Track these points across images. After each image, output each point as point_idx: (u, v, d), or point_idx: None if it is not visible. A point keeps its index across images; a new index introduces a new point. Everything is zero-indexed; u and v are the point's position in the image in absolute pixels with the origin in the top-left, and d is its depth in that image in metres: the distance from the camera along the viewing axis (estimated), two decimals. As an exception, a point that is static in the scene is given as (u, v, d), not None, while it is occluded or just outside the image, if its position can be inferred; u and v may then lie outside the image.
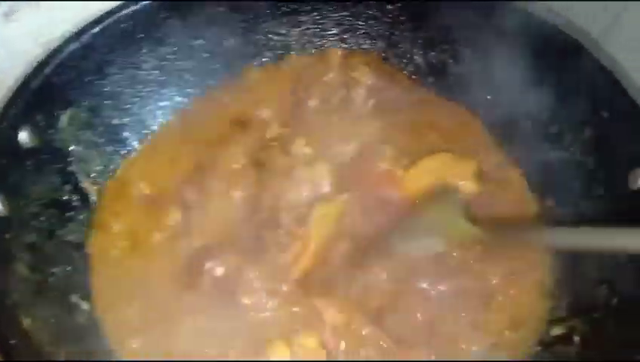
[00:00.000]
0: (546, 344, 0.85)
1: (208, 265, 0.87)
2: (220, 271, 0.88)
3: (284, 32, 1.11)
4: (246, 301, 0.86)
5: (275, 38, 1.11)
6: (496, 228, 0.87)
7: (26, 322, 0.78)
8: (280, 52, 1.12)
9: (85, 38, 0.93)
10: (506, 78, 0.98)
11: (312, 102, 1.05)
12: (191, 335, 0.85)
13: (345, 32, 1.11)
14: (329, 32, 1.12)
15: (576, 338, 0.83)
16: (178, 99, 1.07)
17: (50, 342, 0.78)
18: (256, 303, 0.86)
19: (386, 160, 0.96)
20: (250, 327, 0.84)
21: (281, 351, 0.82)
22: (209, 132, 1.03)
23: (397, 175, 0.95)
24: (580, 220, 0.89)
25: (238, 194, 0.95)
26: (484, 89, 1.02)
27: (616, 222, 0.76)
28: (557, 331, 0.85)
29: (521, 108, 0.98)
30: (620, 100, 0.86)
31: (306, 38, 1.12)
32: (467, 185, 0.95)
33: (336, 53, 1.12)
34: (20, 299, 0.79)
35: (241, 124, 1.03)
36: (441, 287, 0.87)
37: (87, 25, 0.94)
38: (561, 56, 0.92)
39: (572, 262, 0.88)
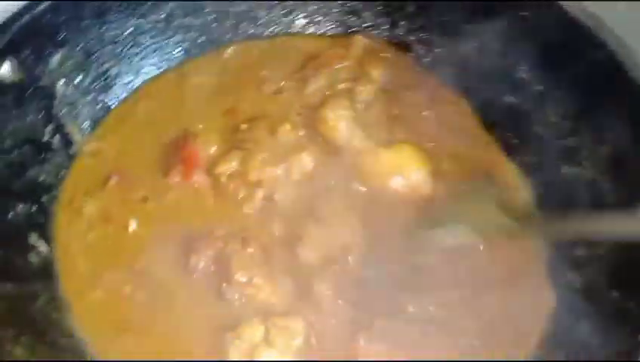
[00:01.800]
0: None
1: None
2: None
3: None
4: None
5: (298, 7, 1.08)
6: (530, 221, 0.84)
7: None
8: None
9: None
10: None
11: (313, 86, 1.00)
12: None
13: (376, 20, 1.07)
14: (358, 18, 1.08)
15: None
16: (177, 55, 1.04)
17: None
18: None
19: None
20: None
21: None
22: (198, 96, 1.00)
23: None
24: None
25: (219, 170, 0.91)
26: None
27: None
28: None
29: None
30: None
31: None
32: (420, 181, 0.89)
33: (361, 42, 1.05)
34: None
35: (235, 91, 1.00)
36: None
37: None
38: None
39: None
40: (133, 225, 0.88)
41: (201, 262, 0.84)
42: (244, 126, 0.94)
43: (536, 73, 0.95)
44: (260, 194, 0.89)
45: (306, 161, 0.91)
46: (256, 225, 0.87)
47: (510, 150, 0.96)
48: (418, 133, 0.95)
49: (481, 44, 0.99)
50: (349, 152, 0.91)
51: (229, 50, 1.06)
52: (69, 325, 0.80)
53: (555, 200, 0.89)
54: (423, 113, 0.99)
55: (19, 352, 0.71)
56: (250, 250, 0.84)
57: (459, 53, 1.01)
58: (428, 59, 1.05)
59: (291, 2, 1.08)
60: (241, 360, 0.77)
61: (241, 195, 0.89)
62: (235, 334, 0.78)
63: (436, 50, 1.05)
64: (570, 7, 0.88)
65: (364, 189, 0.90)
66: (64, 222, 0.89)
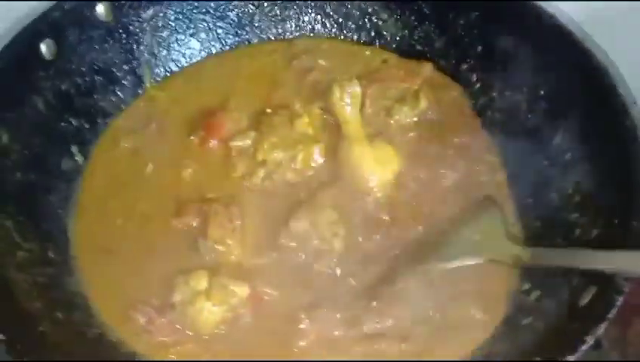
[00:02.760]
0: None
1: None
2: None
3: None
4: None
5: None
6: (538, 250, 0.85)
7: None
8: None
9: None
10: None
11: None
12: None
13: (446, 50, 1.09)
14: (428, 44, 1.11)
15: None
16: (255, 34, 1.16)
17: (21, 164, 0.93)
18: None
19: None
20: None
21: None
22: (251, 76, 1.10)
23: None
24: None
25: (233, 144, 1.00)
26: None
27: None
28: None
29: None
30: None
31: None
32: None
33: (428, 70, 1.09)
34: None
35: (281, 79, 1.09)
36: None
37: None
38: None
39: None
40: (149, 168, 1.00)
41: (186, 220, 0.93)
42: (268, 110, 1.03)
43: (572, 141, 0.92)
44: (261, 173, 0.96)
45: (315, 153, 0.97)
46: (248, 198, 0.95)
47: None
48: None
49: (531, 100, 0.98)
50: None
51: (298, 42, 1.15)
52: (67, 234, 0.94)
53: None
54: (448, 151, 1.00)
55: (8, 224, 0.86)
56: (232, 213, 0.91)
57: (512, 104, 1.01)
58: (482, 102, 1.05)
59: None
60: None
61: (244, 170, 0.98)
62: (185, 279, 0.86)
63: (493, 95, 1.04)
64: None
65: (352, 184, 0.95)
66: (103, 146, 1.04)
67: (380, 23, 1.14)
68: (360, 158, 0.95)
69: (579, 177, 0.89)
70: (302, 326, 0.84)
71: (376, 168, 0.95)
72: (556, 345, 0.74)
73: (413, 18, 1.11)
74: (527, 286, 0.87)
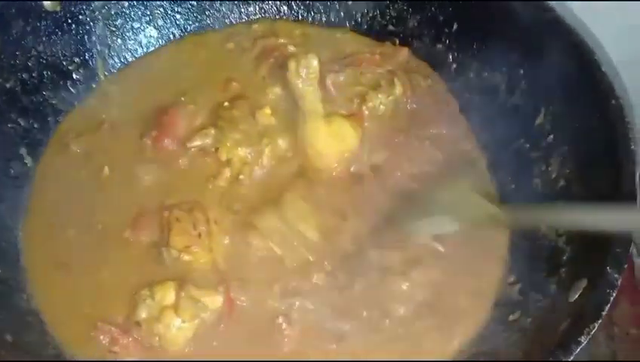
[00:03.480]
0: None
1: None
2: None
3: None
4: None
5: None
6: (515, 209, 0.80)
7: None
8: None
9: None
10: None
11: (329, 81, 0.99)
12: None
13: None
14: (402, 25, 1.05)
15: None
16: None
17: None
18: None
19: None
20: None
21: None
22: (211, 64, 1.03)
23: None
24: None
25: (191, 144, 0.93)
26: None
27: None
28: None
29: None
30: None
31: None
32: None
33: (405, 55, 1.03)
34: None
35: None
36: None
37: None
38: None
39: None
40: (105, 172, 0.92)
41: (145, 232, 0.86)
42: (226, 104, 0.95)
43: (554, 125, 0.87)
44: (226, 173, 0.90)
45: (282, 145, 0.91)
46: (213, 201, 0.89)
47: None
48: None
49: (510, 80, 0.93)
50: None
51: (261, 27, 1.08)
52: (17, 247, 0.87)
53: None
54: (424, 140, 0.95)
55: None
56: (197, 218, 0.85)
57: (490, 84, 0.96)
58: (459, 84, 1.00)
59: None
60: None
61: (207, 171, 0.91)
62: (150, 293, 0.79)
63: (470, 75, 1.00)
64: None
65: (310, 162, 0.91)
66: (54, 149, 0.96)
67: (350, 2, 1.07)
68: (315, 134, 0.90)
69: (563, 160, 0.85)
70: (283, 325, 0.80)
71: (332, 143, 0.90)
72: (547, 344, 0.70)
73: (384, -5, 1.04)
74: (512, 278, 0.84)
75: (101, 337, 0.77)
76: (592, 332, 0.66)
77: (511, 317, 0.80)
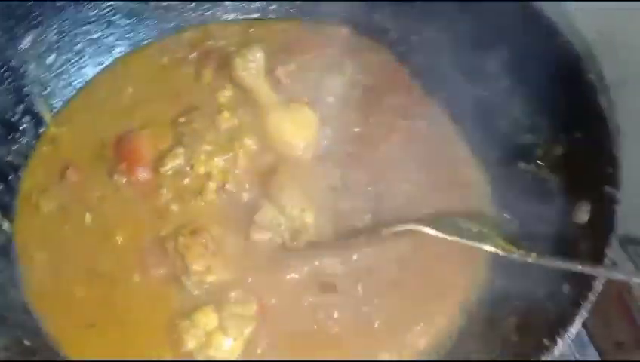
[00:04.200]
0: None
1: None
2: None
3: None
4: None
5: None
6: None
7: None
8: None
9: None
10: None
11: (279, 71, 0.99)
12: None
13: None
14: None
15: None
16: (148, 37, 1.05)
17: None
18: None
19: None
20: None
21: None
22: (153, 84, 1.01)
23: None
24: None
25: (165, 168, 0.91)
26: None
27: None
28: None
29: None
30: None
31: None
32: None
33: (345, 34, 1.05)
34: None
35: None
36: None
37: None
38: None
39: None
40: (88, 219, 0.88)
41: (153, 272, 0.84)
42: (182, 119, 0.94)
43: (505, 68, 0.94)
44: (211, 186, 0.89)
45: (251, 145, 0.92)
46: (211, 218, 0.88)
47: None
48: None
49: (455, 36, 0.98)
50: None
51: (193, 32, 1.06)
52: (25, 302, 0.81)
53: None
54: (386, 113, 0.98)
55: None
56: (202, 240, 0.84)
57: (434, 44, 1.01)
58: (402, 50, 1.04)
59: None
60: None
61: (191, 190, 0.89)
62: (191, 322, 0.78)
63: (411, 39, 1.04)
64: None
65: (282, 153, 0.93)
66: (23, 214, 0.89)
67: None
68: (278, 125, 0.92)
69: (522, 100, 0.91)
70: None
71: (297, 131, 0.93)
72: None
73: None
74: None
75: (159, 379, 0.76)
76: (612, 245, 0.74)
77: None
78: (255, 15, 1.09)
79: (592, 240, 0.76)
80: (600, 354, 0.93)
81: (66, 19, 0.97)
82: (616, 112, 0.85)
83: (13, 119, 0.92)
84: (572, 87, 0.86)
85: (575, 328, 0.70)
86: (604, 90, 0.84)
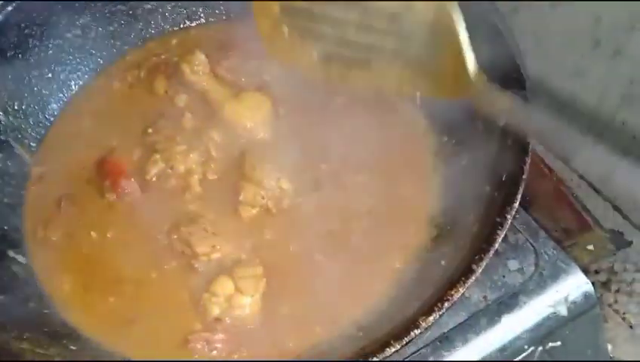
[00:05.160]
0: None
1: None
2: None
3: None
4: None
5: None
6: None
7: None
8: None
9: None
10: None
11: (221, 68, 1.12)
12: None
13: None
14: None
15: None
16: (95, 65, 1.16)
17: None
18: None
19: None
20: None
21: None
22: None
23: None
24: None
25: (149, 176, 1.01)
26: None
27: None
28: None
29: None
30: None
31: None
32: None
33: None
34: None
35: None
36: None
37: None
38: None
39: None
40: (96, 239, 0.98)
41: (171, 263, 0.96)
42: (150, 130, 1.05)
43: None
44: (194, 180, 1.01)
45: (217, 138, 1.04)
46: (202, 206, 0.99)
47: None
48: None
49: None
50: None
51: (129, 56, 1.18)
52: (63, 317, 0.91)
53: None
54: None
55: (25, 346, 0.82)
56: (201, 225, 0.96)
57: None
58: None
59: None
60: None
61: (179, 189, 1.00)
62: (211, 293, 0.90)
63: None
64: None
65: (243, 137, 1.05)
66: (35, 248, 0.98)
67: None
68: (235, 114, 1.05)
69: None
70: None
71: (253, 115, 1.05)
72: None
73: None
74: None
75: (198, 346, 0.87)
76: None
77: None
78: (188, 23, 1.21)
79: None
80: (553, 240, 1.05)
81: (19, 67, 1.06)
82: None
83: (-1, 166, 1.01)
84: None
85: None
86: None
